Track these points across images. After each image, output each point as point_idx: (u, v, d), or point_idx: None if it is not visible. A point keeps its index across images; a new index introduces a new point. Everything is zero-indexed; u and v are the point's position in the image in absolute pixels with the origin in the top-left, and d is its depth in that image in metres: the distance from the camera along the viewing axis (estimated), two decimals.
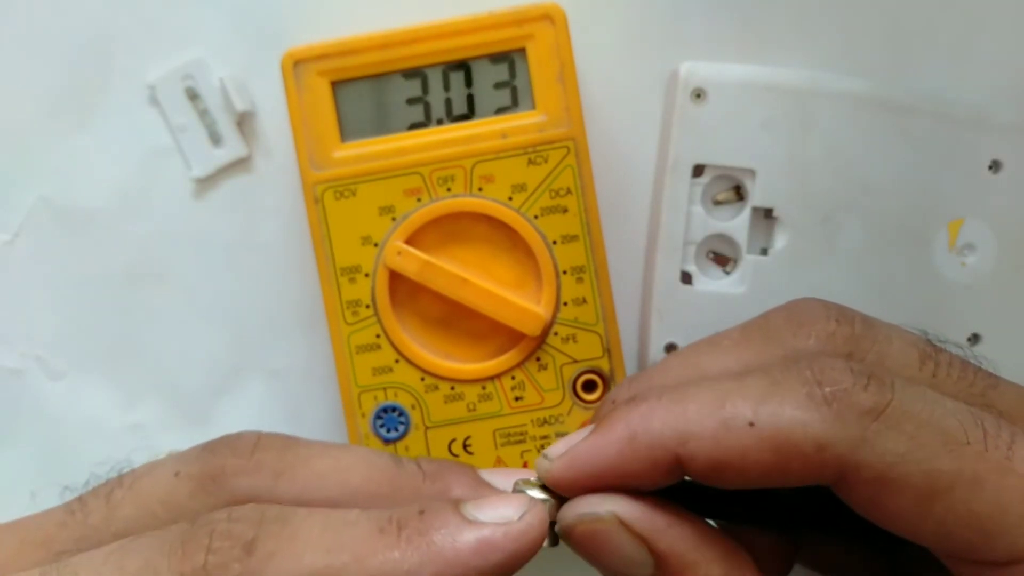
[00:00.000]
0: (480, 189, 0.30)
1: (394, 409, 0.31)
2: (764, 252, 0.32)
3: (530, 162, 0.30)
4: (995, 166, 0.32)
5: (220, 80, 0.33)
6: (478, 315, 0.30)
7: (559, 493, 0.23)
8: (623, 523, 0.22)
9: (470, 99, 0.31)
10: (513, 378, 0.31)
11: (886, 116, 0.32)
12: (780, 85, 0.31)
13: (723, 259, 0.32)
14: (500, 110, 0.31)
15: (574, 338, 0.31)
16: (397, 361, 0.31)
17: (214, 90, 0.33)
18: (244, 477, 0.23)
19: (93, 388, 0.34)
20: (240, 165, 0.34)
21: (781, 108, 0.31)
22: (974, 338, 0.33)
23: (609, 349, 0.31)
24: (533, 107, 0.30)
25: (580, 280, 0.31)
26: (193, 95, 0.33)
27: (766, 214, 0.32)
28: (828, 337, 0.23)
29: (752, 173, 0.32)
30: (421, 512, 0.22)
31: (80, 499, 0.24)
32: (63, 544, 0.23)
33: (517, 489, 0.23)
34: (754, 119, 0.31)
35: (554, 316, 0.31)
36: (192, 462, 0.24)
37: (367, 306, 0.31)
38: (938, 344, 0.24)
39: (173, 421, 0.34)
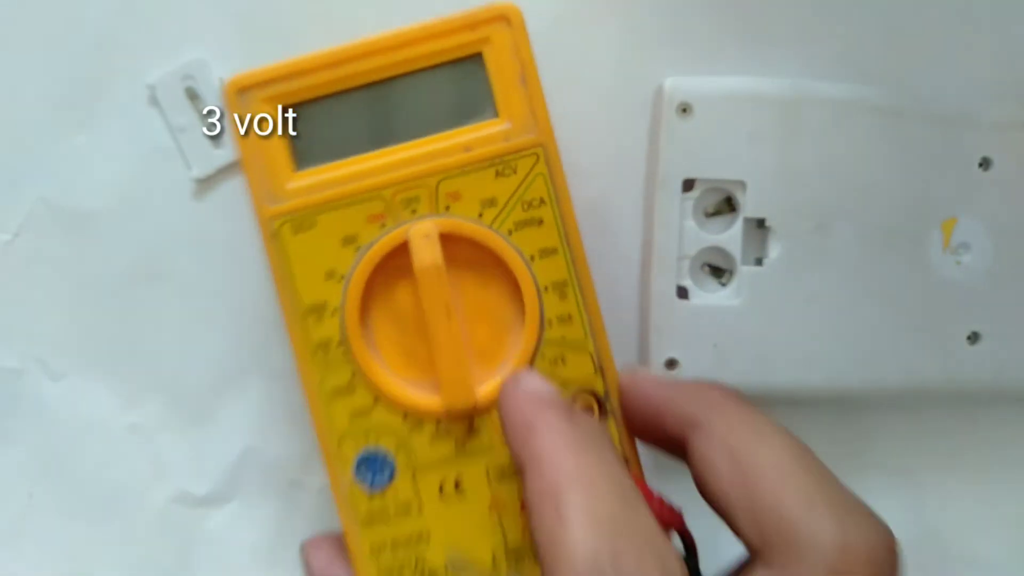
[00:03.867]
0: (447, 208, 0.28)
1: (377, 454, 0.29)
2: (759, 262, 0.32)
3: (498, 174, 0.28)
4: (985, 163, 0.32)
5: (220, 80, 0.33)
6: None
7: None
8: None
9: (428, 112, 0.28)
10: None
11: (873, 119, 0.32)
12: (765, 95, 0.31)
13: (718, 271, 0.32)
14: (461, 121, 0.28)
15: (563, 359, 0.29)
16: (376, 400, 0.29)
17: (214, 90, 0.33)
18: None
19: (93, 388, 0.34)
20: (240, 165, 0.34)
21: (767, 118, 0.31)
22: (974, 336, 0.33)
23: (602, 367, 0.29)
24: (496, 115, 0.28)
25: (563, 296, 0.29)
26: (193, 95, 0.33)
27: (759, 224, 0.32)
28: None
29: (742, 185, 0.31)
30: None
31: None
32: None
33: None
34: (741, 130, 0.31)
35: (539, 338, 0.29)
36: None
37: (338, 344, 0.29)
38: None
39: (173, 421, 0.34)
